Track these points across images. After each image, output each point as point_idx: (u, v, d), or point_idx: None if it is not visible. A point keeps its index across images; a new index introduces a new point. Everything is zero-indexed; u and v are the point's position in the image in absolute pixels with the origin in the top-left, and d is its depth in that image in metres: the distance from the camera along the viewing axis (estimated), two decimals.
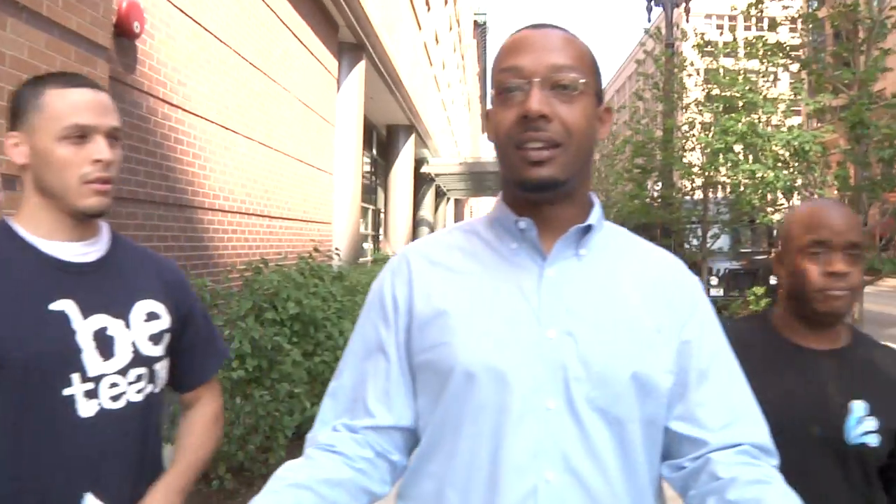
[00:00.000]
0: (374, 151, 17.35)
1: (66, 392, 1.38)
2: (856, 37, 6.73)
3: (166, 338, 1.56)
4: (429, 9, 20.00)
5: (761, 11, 7.31)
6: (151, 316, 1.54)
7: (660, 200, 10.83)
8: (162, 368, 1.57)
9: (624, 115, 12.40)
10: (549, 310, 1.14)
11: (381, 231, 18.19)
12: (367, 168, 16.44)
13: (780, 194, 6.75)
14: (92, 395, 1.41)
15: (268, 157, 7.56)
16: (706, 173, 8.65)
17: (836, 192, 6.90)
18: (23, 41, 3.16)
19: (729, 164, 7.32)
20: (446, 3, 25.63)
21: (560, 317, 1.13)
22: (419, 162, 20.87)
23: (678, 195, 10.34)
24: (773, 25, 7.52)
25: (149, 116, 4.93)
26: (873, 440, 1.51)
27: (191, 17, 5.51)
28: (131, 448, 1.48)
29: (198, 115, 5.72)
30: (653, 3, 13.58)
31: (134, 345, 1.48)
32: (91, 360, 1.41)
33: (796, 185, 6.87)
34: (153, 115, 4.99)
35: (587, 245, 1.20)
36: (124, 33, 4.45)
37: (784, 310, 1.70)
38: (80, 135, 1.41)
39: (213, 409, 1.73)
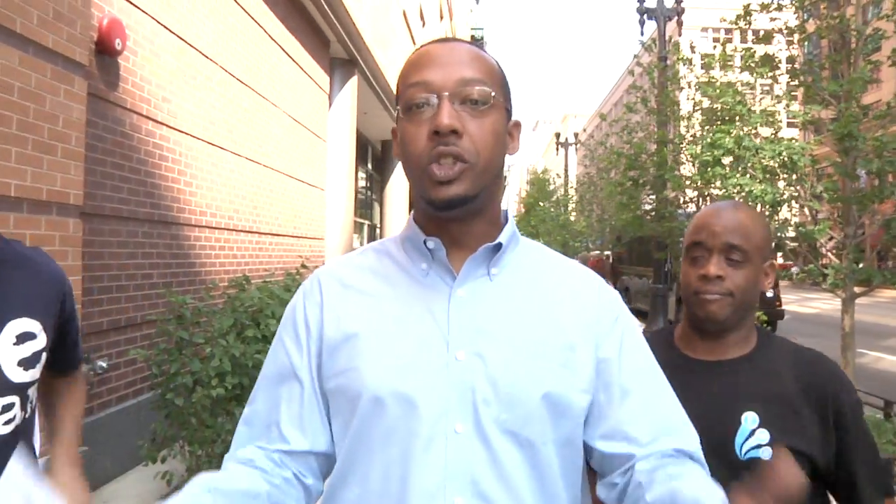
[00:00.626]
0: (370, 166, 17.37)
1: None
2: (844, 48, 6.73)
3: (42, 358, 1.43)
4: (424, 24, 20.08)
5: (750, 24, 7.32)
6: (24, 337, 1.39)
7: (653, 213, 10.81)
8: (34, 390, 1.44)
9: (618, 128, 12.40)
10: (459, 331, 1.11)
11: None
12: (363, 183, 16.45)
13: (766, 208, 6.72)
14: None
15: (256, 173, 7.54)
16: (698, 185, 8.64)
17: (826, 203, 6.89)
18: None
19: (718, 178, 7.29)
20: (442, 17, 25.73)
21: (469, 338, 1.11)
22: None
23: (671, 208, 10.32)
24: (767, 37, 7.53)
25: (132, 133, 4.91)
26: (766, 454, 1.42)
27: (175, 34, 5.50)
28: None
29: (183, 132, 5.71)
30: (645, 16, 13.61)
31: (0, 372, 1.34)
32: None
33: (783, 198, 6.84)
34: (137, 131, 4.98)
35: (499, 264, 1.18)
36: (106, 50, 4.45)
37: (683, 322, 1.65)
38: None
39: (83, 387, 1.75)
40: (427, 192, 1.10)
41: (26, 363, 1.38)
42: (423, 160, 1.09)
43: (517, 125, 1.22)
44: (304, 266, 6.18)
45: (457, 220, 1.15)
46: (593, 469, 1.20)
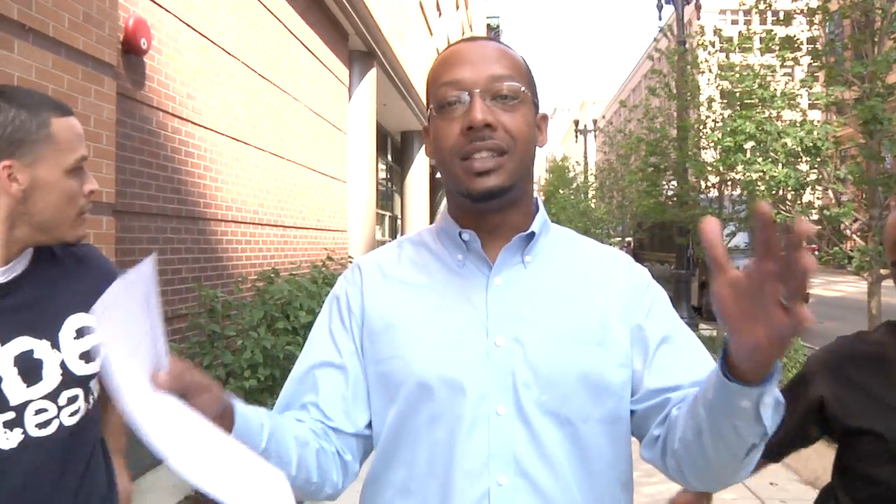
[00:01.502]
0: (390, 158, 17.42)
1: None
2: (868, 28, 6.65)
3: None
4: (440, 14, 20.05)
5: (770, 5, 7.26)
6: (83, 331, 1.44)
7: (675, 199, 10.77)
8: (97, 382, 1.48)
9: (638, 114, 12.34)
10: (497, 318, 1.16)
11: (399, 237, 18.24)
12: (383, 175, 16.51)
13: (789, 192, 6.68)
14: (14, 424, 1.32)
15: (280, 167, 7.62)
16: (720, 171, 8.59)
17: (851, 186, 6.84)
18: (30, 62, 3.22)
19: (740, 163, 7.25)
20: (458, 7, 25.67)
21: (507, 324, 1.15)
22: (435, 167, 20.91)
23: (693, 193, 10.28)
24: (787, 18, 7.45)
25: (158, 131, 4.99)
26: None
27: (198, 32, 5.57)
28: (70, 472, 1.41)
29: (208, 128, 5.78)
30: (663, 0, 13.51)
31: (63, 365, 1.39)
32: (12, 388, 1.32)
33: (808, 180, 6.79)
34: (163, 129, 5.05)
35: (532, 251, 1.22)
36: (132, 50, 4.52)
37: None
38: (82, 166, 1.41)
39: None
40: (464, 185, 1.14)
41: (87, 356, 1.43)
42: (457, 155, 1.14)
43: (544, 118, 1.26)
44: (329, 258, 6.25)
45: (493, 211, 1.19)
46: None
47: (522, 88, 1.16)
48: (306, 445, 1.12)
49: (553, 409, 1.12)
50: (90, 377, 1.45)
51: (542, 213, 1.26)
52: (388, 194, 17.51)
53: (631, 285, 1.24)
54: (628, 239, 24.30)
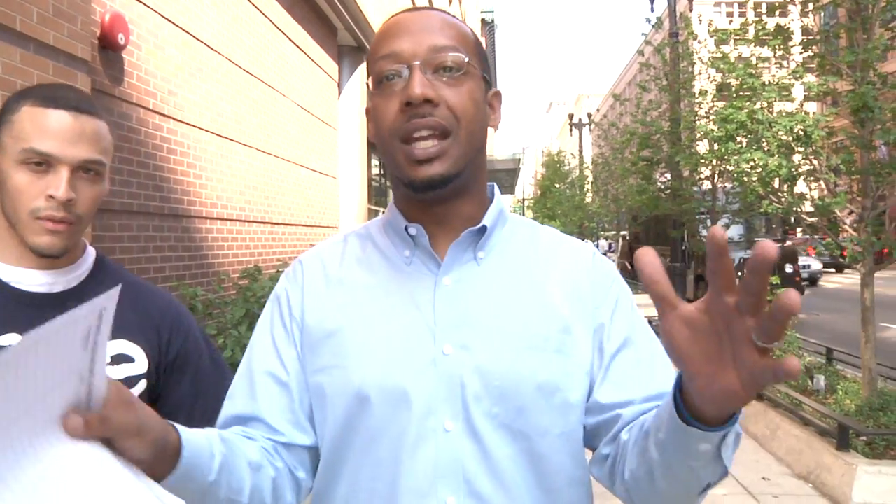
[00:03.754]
0: None
1: None
2: (859, 16, 6.58)
3: (140, 385, 1.37)
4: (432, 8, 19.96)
5: None
6: (120, 359, 1.34)
7: (668, 192, 10.72)
8: None
9: (631, 107, 12.28)
10: (445, 323, 1.06)
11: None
12: (376, 170, 16.42)
13: (781, 182, 6.62)
14: None
15: (267, 163, 7.54)
16: (712, 163, 8.54)
17: (844, 176, 6.78)
18: None
19: (731, 153, 7.19)
20: (451, 2, 25.56)
21: (457, 330, 1.05)
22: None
23: (686, 186, 10.23)
24: (776, 8, 7.41)
25: (139, 128, 4.91)
26: None
27: (179, 27, 5.49)
28: None
29: (191, 125, 5.70)
30: None
31: None
32: None
33: (800, 171, 6.74)
34: (143, 126, 4.97)
35: (485, 247, 1.12)
36: (109, 45, 4.43)
37: None
38: (39, 162, 1.24)
39: None
40: (405, 173, 1.04)
41: None
42: (396, 136, 1.03)
43: (497, 95, 1.15)
44: None
45: (440, 201, 1.08)
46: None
47: (467, 60, 1.05)
48: (259, 469, 1.03)
49: (507, 422, 1.03)
50: None
51: (497, 203, 1.15)
52: (382, 190, 17.42)
53: (594, 282, 1.13)
54: (623, 232, 24.29)
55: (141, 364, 1.37)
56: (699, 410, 0.80)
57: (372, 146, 15.06)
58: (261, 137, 7.34)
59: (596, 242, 30.71)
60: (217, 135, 6.21)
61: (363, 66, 11.11)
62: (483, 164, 1.14)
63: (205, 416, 1.49)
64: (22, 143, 1.23)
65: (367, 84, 1.10)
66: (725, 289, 0.69)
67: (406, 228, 1.10)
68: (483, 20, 43.13)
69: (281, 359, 1.12)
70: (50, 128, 1.24)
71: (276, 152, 7.82)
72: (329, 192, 10.05)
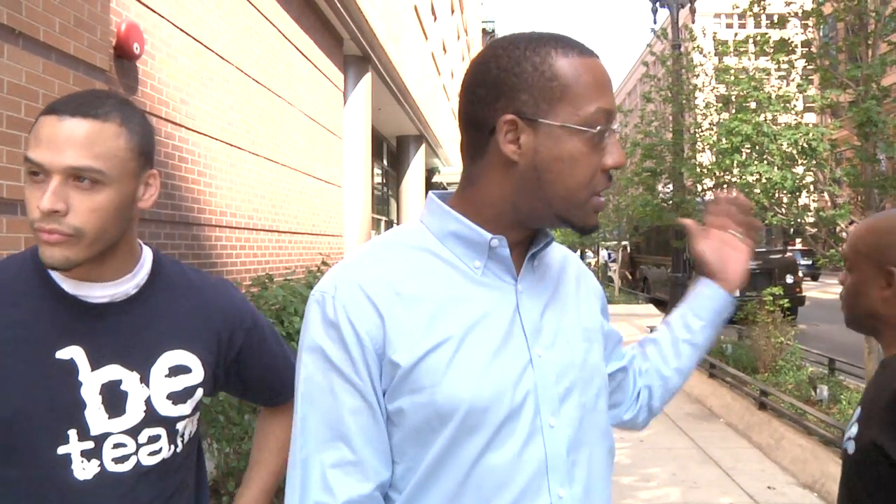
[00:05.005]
0: (385, 162, 17.40)
1: (61, 451, 1.23)
2: (862, 31, 6.65)
3: (197, 394, 1.38)
4: (435, 19, 20.05)
5: (764, 8, 7.27)
6: (178, 370, 1.34)
7: (671, 203, 10.77)
8: (188, 425, 1.39)
9: (633, 118, 12.34)
10: (531, 328, 1.13)
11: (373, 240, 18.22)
12: (379, 179, 16.49)
13: (785, 195, 6.68)
14: (92, 455, 1.25)
15: (274, 172, 7.59)
16: (716, 174, 8.60)
17: (847, 188, 6.84)
18: (20, 66, 3.20)
19: (736, 165, 7.25)
20: (453, 12, 25.69)
21: (540, 333, 1.14)
22: (430, 171, 20.92)
23: (690, 197, 10.28)
24: (781, 21, 7.47)
25: None
26: (850, 447, 1.44)
27: (191, 36, 5.55)
28: None
29: (202, 133, 5.75)
30: (658, 4, 13.53)
31: (149, 402, 1.30)
32: (94, 416, 1.25)
33: (804, 183, 6.79)
34: (157, 134, 5.02)
35: (537, 256, 1.20)
36: (124, 55, 4.49)
37: None
38: (35, 171, 1.18)
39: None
40: (587, 221, 1.11)
41: (176, 397, 1.34)
42: (591, 191, 1.09)
43: None
44: (324, 263, 6.22)
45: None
46: None
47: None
48: None
49: (590, 410, 1.16)
50: (176, 419, 1.35)
51: None
52: (384, 199, 17.49)
53: (592, 280, 1.36)
54: (625, 242, 24.33)
55: (198, 374, 1.38)
56: (730, 289, 1.46)
57: (377, 156, 15.13)
58: (268, 146, 7.40)
59: (596, 252, 30.70)
60: (227, 143, 6.26)
61: (368, 76, 11.17)
62: None
63: (274, 392, 1.58)
64: (26, 154, 1.19)
65: (566, 113, 1.05)
66: (718, 213, 1.52)
67: (490, 240, 1.11)
68: (484, 30, 43.27)
69: (360, 393, 1.05)
70: (41, 135, 1.17)
71: (283, 161, 7.88)
72: (334, 200, 10.09)
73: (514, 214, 1.11)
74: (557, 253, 1.29)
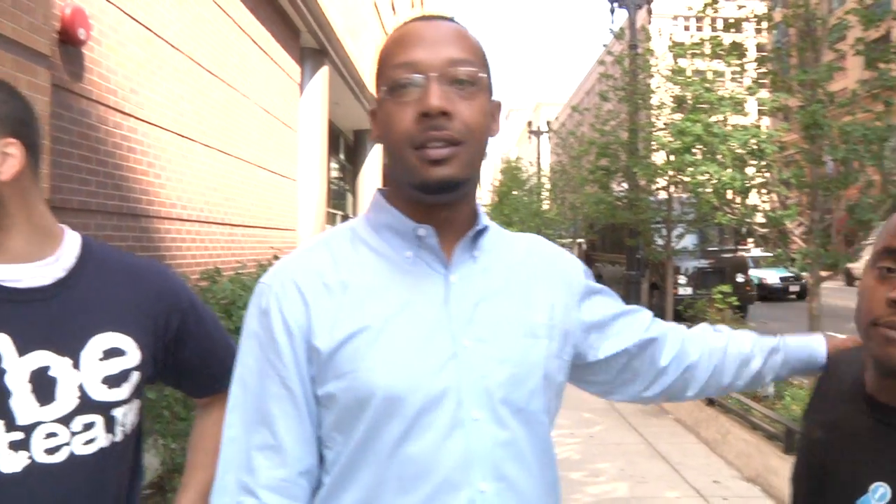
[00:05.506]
0: (342, 156, 17.29)
1: None
2: (809, 37, 6.80)
3: (133, 377, 1.33)
4: (395, 12, 19.98)
5: (717, 10, 7.38)
6: (112, 353, 1.30)
7: (625, 201, 10.89)
8: (128, 413, 1.34)
9: (590, 117, 12.46)
10: (460, 319, 1.11)
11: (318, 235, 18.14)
12: (335, 174, 16.37)
13: (735, 194, 6.80)
14: (20, 446, 1.20)
15: (227, 164, 7.48)
16: (668, 174, 8.72)
17: (795, 189, 6.98)
18: None
19: (688, 165, 7.36)
20: (413, 6, 25.62)
21: (471, 324, 1.11)
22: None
23: (643, 195, 10.41)
24: (734, 25, 7.60)
25: (98, 125, 4.84)
26: None
27: (141, 24, 5.43)
28: None
29: (152, 124, 5.64)
30: (616, 4, 13.66)
31: (82, 388, 1.25)
32: (22, 405, 1.20)
33: (753, 183, 6.92)
34: (103, 123, 4.91)
35: (481, 247, 1.18)
36: (69, 40, 4.37)
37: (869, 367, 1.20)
38: None
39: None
40: (419, 174, 1.07)
41: (111, 381, 1.30)
42: (409, 143, 1.06)
43: (498, 105, 1.21)
44: (276, 257, 6.15)
45: (446, 205, 1.13)
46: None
47: (481, 74, 1.10)
48: None
49: (522, 407, 1.11)
50: (112, 405, 1.30)
51: (480, 207, 1.23)
52: (341, 193, 17.38)
53: (564, 271, 1.28)
54: (580, 240, 24.56)
55: (133, 356, 1.33)
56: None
57: (333, 150, 15.02)
58: (221, 138, 7.29)
59: None
60: (178, 134, 6.15)
61: (325, 69, 11.08)
62: (479, 173, 1.19)
63: (212, 379, 1.51)
64: None
65: (378, 87, 1.12)
66: None
67: (415, 229, 1.12)
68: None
69: (283, 379, 1.10)
70: None
71: (237, 153, 7.77)
72: (288, 194, 10.00)
73: (408, 194, 1.14)
74: (520, 245, 1.26)
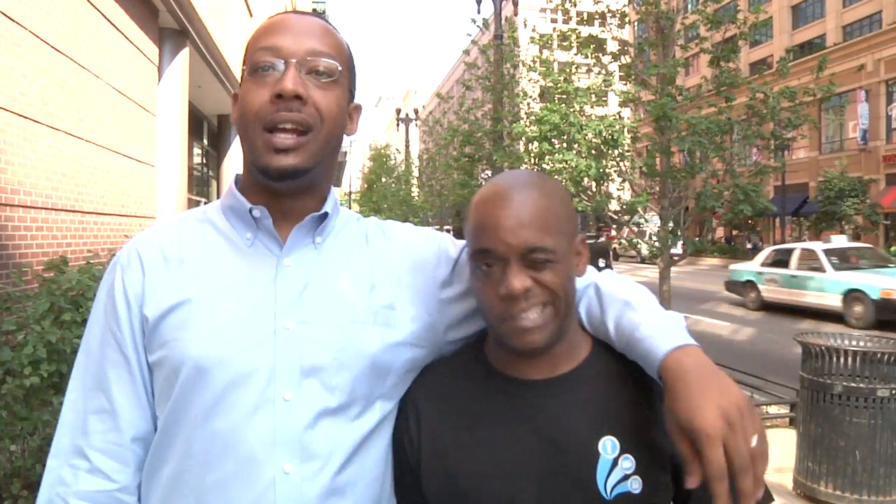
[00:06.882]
0: (205, 142, 16.72)
1: None
2: (659, 34, 7.20)
3: None
4: None
5: (574, 3, 7.68)
6: None
7: None
8: None
9: (455, 105, 12.62)
10: (286, 300, 1.13)
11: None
12: (198, 159, 15.82)
13: (592, 182, 7.12)
14: None
15: (77, 148, 7.08)
16: (530, 161, 8.98)
17: (643, 179, 7.40)
18: None
19: (546, 153, 7.63)
20: None
21: (297, 307, 1.13)
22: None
23: None
24: (593, 19, 7.91)
25: None
26: (636, 486, 1.11)
27: None
28: None
29: None
30: None
31: None
32: None
33: (608, 171, 7.27)
34: None
35: (323, 233, 1.20)
36: None
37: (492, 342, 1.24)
38: None
39: None
40: (262, 160, 1.11)
41: None
42: (260, 123, 1.10)
43: (357, 108, 1.25)
44: None
45: (287, 194, 1.16)
46: None
47: (339, 68, 1.14)
48: None
49: (341, 392, 1.11)
50: None
51: (332, 195, 1.24)
52: (204, 179, 16.81)
53: (427, 255, 1.27)
54: (447, 227, 24.90)
55: None
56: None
57: (196, 135, 14.48)
58: (70, 120, 6.88)
59: None
60: (19, 115, 5.76)
61: (186, 51, 10.65)
62: (333, 166, 1.22)
63: None
64: None
65: (242, 71, 1.15)
66: None
67: (250, 211, 1.16)
68: (314, 10, 42.49)
69: (120, 346, 1.15)
70: None
71: (89, 137, 7.36)
72: (146, 180, 9.57)
73: (255, 177, 1.17)
74: (373, 232, 1.28)
